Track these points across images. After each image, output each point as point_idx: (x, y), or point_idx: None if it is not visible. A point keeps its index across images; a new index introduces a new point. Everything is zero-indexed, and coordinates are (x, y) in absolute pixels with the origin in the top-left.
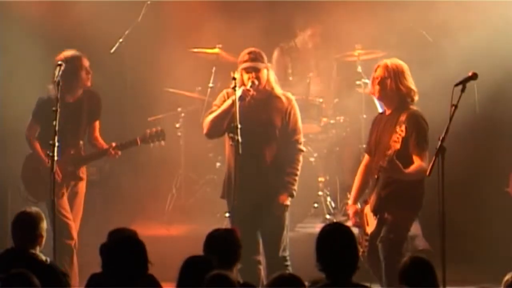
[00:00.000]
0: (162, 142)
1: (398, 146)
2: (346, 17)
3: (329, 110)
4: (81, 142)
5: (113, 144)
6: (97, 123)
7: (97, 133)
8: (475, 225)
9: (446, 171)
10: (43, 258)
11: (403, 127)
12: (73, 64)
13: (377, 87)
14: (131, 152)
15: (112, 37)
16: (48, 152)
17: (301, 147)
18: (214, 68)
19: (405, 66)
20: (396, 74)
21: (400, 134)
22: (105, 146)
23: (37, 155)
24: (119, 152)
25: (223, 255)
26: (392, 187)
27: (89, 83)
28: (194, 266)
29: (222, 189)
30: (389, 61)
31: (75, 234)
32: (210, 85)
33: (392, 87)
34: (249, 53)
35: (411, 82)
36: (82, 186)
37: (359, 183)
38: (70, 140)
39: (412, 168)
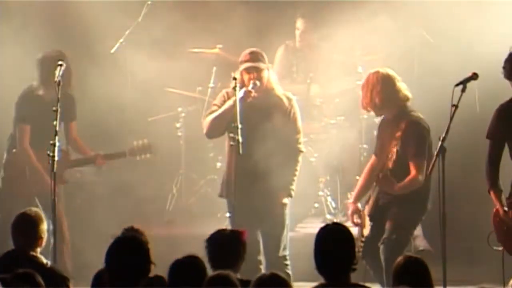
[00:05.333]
0: (148, 155)
1: (390, 165)
2: (347, 17)
3: (329, 110)
4: (68, 147)
5: (101, 154)
6: (73, 124)
7: (75, 134)
8: (475, 225)
9: (446, 171)
10: (44, 261)
11: (399, 144)
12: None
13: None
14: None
15: (113, 37)
16: (48, 152)
17: (301, 147)
18: (214, 68)
19: (380, 77)
20: (372, 87)
21: (392, 154)
22: (88, 150)
23: (32, 165)
24: (105, 162)
25: (229, 255)
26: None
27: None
28: (181, 268)
29: (221, 188)
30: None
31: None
32: (211, 85)
33: (368, 102)
34: (250, 53)
35: (388, 90)
36: (61, 190)
37: (362, 182)
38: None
39: (404, 182)
